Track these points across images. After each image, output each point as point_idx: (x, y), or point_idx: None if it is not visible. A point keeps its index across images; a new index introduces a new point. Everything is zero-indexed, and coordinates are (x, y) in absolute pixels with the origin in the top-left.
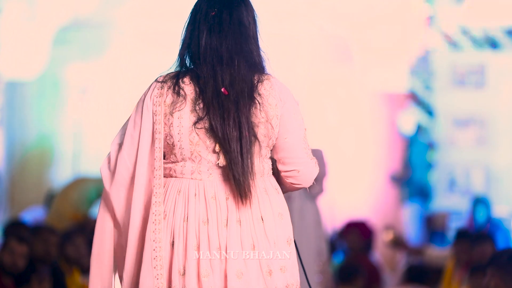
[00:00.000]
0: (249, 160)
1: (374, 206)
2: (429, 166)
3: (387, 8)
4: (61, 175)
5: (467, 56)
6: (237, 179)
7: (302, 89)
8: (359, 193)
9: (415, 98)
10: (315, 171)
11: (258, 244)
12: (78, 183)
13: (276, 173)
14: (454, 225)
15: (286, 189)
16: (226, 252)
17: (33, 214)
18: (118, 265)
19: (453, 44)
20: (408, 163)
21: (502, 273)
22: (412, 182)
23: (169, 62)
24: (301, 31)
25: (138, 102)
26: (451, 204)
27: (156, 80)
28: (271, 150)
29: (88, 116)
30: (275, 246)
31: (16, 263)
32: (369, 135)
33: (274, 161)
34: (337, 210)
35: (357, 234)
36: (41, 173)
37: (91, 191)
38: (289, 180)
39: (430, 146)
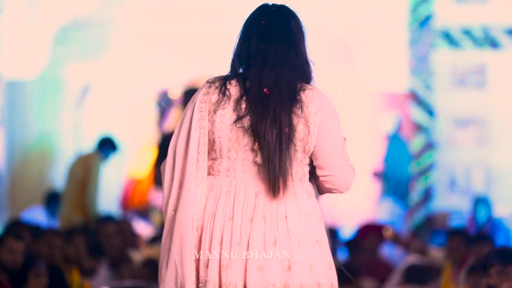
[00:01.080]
0: (285, 159)
1: (375, 206)
2: (408, 162)
3: (387, 8)
4: (61, 175)
5: (468, 56)
6: (272, 175)
7: None
8: (359, 192)
9: (415, 98)
10: (352, 177)
11: (280, 240)
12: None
13: (315, 179)
14: (454, 225)
15: (323, 194)
16: (248, 246)
17: (33, 214)
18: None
19: (454, 44)
20: (385, 159)
21: (508, 270)
22: (389, 178)
23: (169, 62)
24: None
25: (191, 99)
26: (452, 204)
27: (206, 81)
28: (310, 157)
29: (88, 116)
30: (299, 244)
31: (15, 261)
32: (369, 135)
33: (313, 168)
34: (338, 209)
35: (374, 236)
36: (42, 173)
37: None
38: (326, 185)
39: (430, 146)
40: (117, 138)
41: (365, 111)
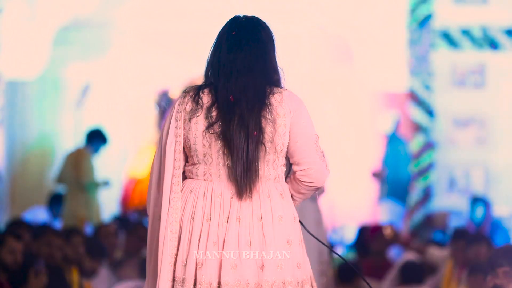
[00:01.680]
0: (253, 161)
1: (375, 205)
2: (407, 162)
3: (386, 8)
4: None
5: (467, 56)
6: (238, 178)
7: (302, 89)
8: (359, 192)
9: (415, 98)
10: (327, 172)
11: (254, 241)
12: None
13: (293, 178)
14: (454, 225)
15: (302, 193)
16: (223, 246)
17: (35, 214)
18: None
19: (453, 44)
20: (384, 160)
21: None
22: (389, 178)
23: (169, 62)
24: (301, 31)
25: (169, 109)
26: (451, 203)
27: (183, 91)
28: (286, 157)
29: (88, 116)
30: (271, 245)
31: (15, 260)
32: (369, 134)
33: (289, 166)
34: (337, 209)
35: (382, 237)
36: (42, 173)
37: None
38: (303, 180)
39: (430, 146)
40: (107, 131)
41: (365, 111)
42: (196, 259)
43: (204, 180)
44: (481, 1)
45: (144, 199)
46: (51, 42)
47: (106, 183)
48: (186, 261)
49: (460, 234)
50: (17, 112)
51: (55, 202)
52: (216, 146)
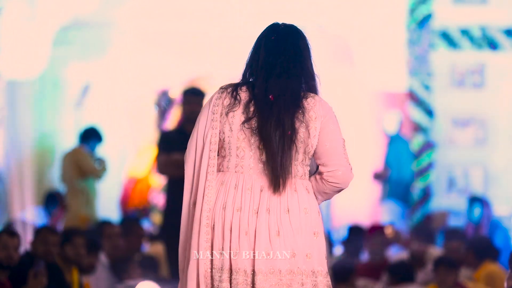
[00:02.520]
0: (287, 158)
1: (375, 205)
2: (410, 162)
3: (386, 8)
4: None
5: (467, 56)
6: (273, 173)
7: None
8: (359, 192)
9: (414, 98)
10: (352, 175)
11: (282, 231)
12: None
13: (319, 179)
14: (453, 224)
15: (326, 193)
16: (255, 236)
17: (31, 214)
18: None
19: (452, 44)
20: (387, 160)
21: None
22: (391, 179)
23: (169, 62)
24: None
25: (207, 101)
26: (450, 203)
27: (220, 87)
28: (313, 158)
29: (88, 116)
30: (300, 236)
31: (11, 257)
32: (369, 134)
33: (316, 167)
34: (337, 209)
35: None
36: (42, 173)
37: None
38: (330, 180)
39: (429, 145)
40: (106, 131)
41: (365, 111)
42: (230, 248)
43: (235, 172)
44: (480, 1)
45: (144, 198)
46: (51, 42)
47: (103, 161)
48: (223, 250)
49: (441, 262)
50: (17, 112)
51: (50, 200)
52: (251, 140)
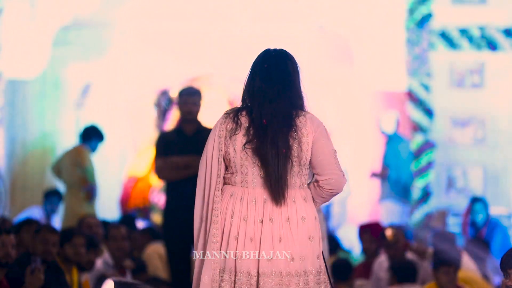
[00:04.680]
0: (282, 173)
1: (375, 205)
2: (409, 162)
3: (386, 8)
4: None
5: (466, 56)
6: (272, 187)
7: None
8: (359, 192)
9: (413, 98)
10: (344, 180)
11: (284, 238)
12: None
13: (316, 186)
14: (452, 223)
15: (324, 197)
16: (260, 242)
17: (32, 214)
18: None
19: (451, 44)
20: (385, 159)
21: None
22: (391, 178)
23: (169, 62)
24: (301, 31)
25: (214, 126)
26: (450, 203)
27: (224, 112)
28: (309, 168)
29: (88, 116)
30: (297, 241)
31: (8, 254)
32: (369, 134)
33: (313, 176)
34: (337, 209)
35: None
36: (42, 172)
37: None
38: (325, 187)
39: (429, 145)
40: (106, 131)
41: (365, 110)
42: (236, 252)
43: (241, 186)
44: (479, 1)
45: (144, 198)
46: (51, 42)
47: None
48: (229, 254)
49: (440, 263)
50: (17, 112)
51: (49, 198)
52: (252, 159)
